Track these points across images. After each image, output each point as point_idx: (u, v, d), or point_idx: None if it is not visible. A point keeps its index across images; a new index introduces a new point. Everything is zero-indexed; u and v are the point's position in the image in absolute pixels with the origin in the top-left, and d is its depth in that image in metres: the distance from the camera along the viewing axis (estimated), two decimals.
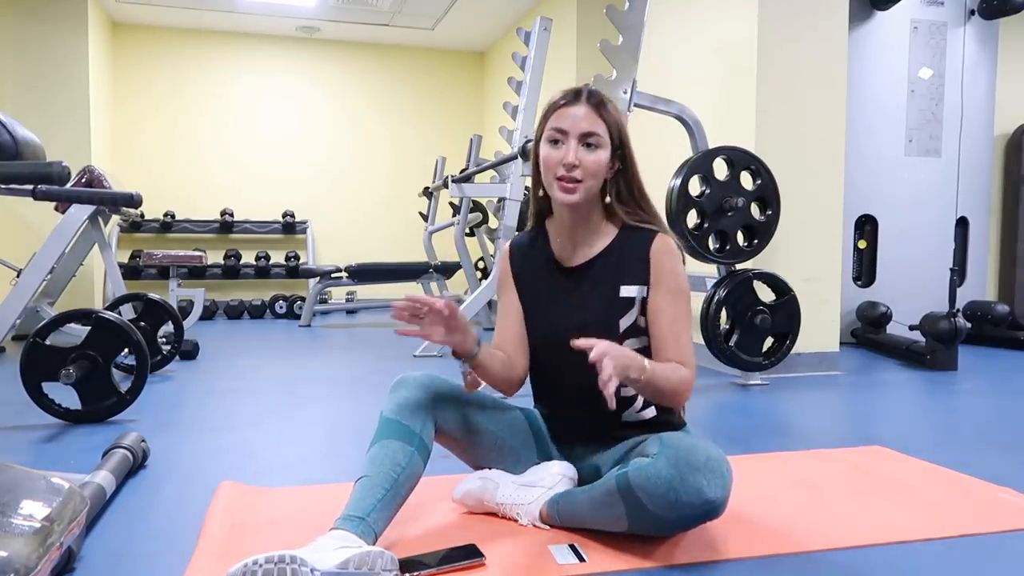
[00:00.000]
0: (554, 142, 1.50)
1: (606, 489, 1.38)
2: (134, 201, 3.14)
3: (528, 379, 1.68)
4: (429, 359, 4.09)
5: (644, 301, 1.52)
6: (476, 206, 6.42)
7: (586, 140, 1.48)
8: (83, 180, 3.91)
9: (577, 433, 1.63)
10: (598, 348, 1.28)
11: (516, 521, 1.53)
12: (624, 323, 1.52)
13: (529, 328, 1.64)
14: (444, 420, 1.52)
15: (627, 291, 1.52)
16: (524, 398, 1.75)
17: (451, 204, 6.76)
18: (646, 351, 1.52)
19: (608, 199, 1.56)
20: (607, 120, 1.50)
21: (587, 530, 1.46)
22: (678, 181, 3.11)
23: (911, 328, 3.98)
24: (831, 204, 3.66)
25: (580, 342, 1.32)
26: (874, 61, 4.71)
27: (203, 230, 7.09)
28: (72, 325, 3.49)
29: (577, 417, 1.61)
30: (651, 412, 1.57)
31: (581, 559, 1.36)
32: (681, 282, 1.52)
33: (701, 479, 1.28)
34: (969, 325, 3.90)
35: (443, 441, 1.57)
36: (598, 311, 1.53)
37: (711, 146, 3.26)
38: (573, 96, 1.51)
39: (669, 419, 1.59)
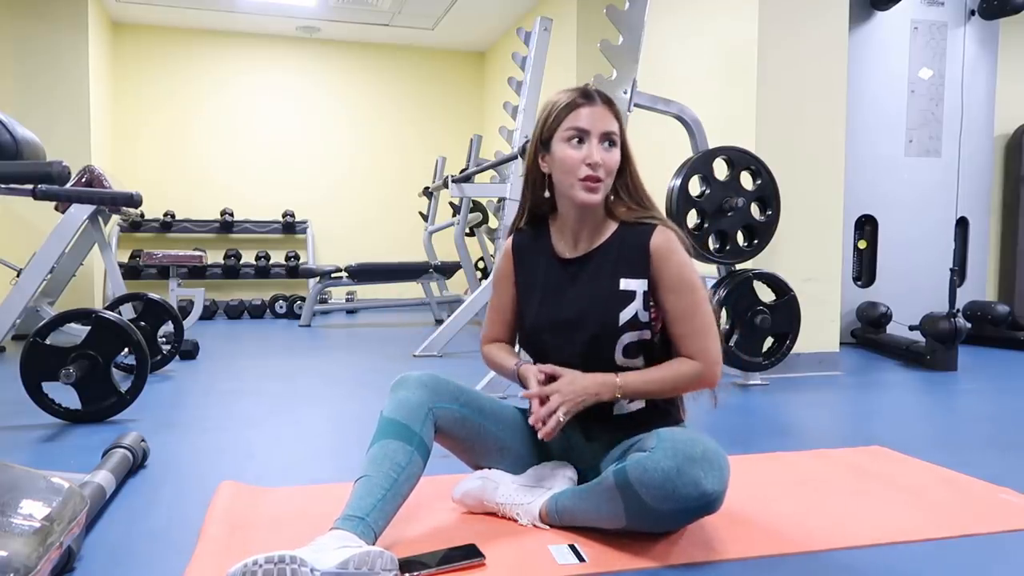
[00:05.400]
0: (576, 141, 1.49)
1: (605, 485, 1.38)
2: (134, 201, 3.14)
3: None
4: (430, 359, 4.09)
5: (646, 295, 1.51)
6: (476, 206, 6.42)
7: (607, 139, 1.50)
8: (83, 180, 3.91)
9: (571, 426, 1.62)
10: (549, 404, 1.45)
11: (516, 521, 1.53)
12: (624, 316, 1.50)
13: (523, 317, 1.64)
14: (444, 420, 1.51)
15: (627, 284, 1.51)
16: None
17: (451, 204, 6.76)
18: (647, 345, 1.52)
19: (610, 196, 1.57)
20: (617, 117, 1.53)
21: (587, 530, 1.46)
22: (678, 181, 3.11)
23: (911, 328, 3.98)
24: (831, 204, 3.66)
25: (531, 392, 1.49)
26: (874, 61, 4.71)
27: (203, 230, 7.09)
28: (72, 325, 3.50)
29: None
30: (638, 405, 1.56)
31: (581, 559, 1.36)
32: (685, 276, 1.50)
33: (698, 471, 1.28)
34: (969, 325, 3.90)
35: (443, 441, 1.57)
36: (597, 303, 1.52)
37: (711, 146, 3.26)
38: (585, 96, 1.51)
39: (663, 415, 1.58)
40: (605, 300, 1.52)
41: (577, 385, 1.46)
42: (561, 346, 1.56)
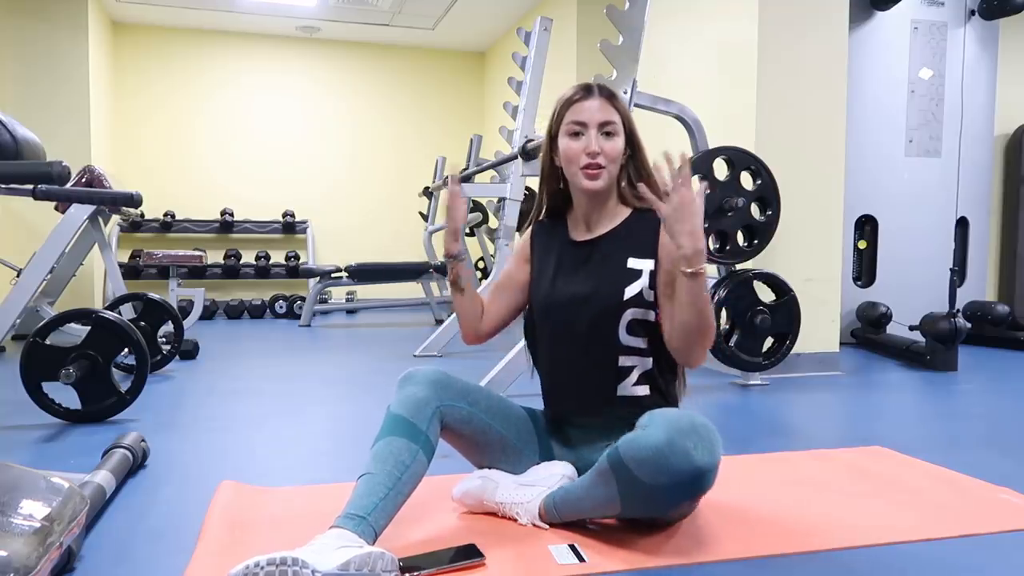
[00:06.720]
0: (575, 135, 1.59)
1: (599, 469, 1.39)
2: (134, 201, 3.14)
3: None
4: (430, 359, 4.09)
5: (652, 275, 1.56)
6: (476, 206, 6.42)
7: (604, 129, 1.57)
8: (83, 180, 3.91)
9: (572, 406, 1.65)
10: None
11: (516, 521, 1.53)
12: (629, 292, 1.55)
13: (533, 296, 1.70)
14: (452, 418, 1.52)
15: (634, 263, 1.57)
16: (527, 398, 1.75)
17: None
18: (648, 325, 1.55)
19: (622, 183, 1.64)
20: (619, 109, 1.60)
21: (587, 530, 1.46)
22: None
23: (911, 328, 3.98)
24: (831, 204, 3.66)
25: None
26: (874, 61, 4.71)
27: (203, 230, 7.10)
28: (72, 325, 3.49)
29: (572, 387, 1.63)
30: (644, 390, 1.57)
31: (581, 559, 1.36)
32: None
33: (688, 443, 1.29)
34: (969, 325, 3.89)
35: (449, 438, 1.58)
36: (604, 280, 1.58)
37: (711, 146, 3.26)
38: (585, 91, 1.61)
39: (663, 399, 1.59)
40: (612, 277, 1.57)
41: (698, 219, 1.42)
42: (569, 322, 1.60)
